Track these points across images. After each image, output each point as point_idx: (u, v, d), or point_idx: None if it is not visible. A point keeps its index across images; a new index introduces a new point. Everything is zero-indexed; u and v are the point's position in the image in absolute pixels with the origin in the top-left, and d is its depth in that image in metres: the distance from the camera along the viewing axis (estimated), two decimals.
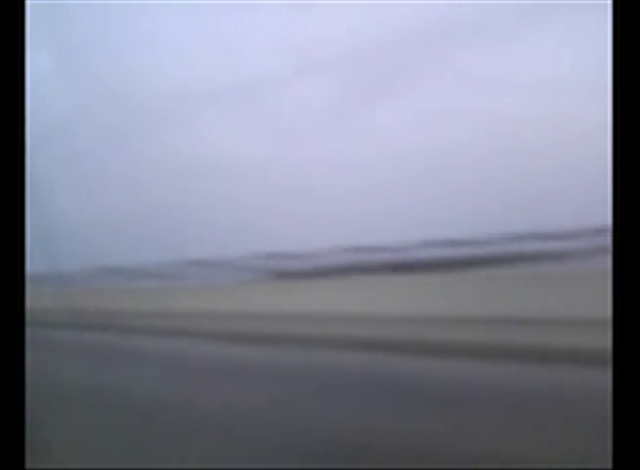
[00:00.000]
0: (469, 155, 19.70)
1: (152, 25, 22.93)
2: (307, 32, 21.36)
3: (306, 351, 11.29)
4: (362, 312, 13.77)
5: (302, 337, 12.33)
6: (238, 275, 22.12)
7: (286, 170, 22.48)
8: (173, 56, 23.41)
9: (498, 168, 19.03)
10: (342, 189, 21.48)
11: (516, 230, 16.85)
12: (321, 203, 21.57)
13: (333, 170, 21.78)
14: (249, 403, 7.06)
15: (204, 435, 5.81)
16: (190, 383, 8.59)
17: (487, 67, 19.92)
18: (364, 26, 20.86)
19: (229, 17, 21.96)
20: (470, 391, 7.23)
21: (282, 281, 20.47)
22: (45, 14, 18.99)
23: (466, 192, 19.29)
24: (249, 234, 21.70)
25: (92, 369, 10.50)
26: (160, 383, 8.65)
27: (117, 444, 5.73)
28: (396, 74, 21.86)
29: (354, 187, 21.32)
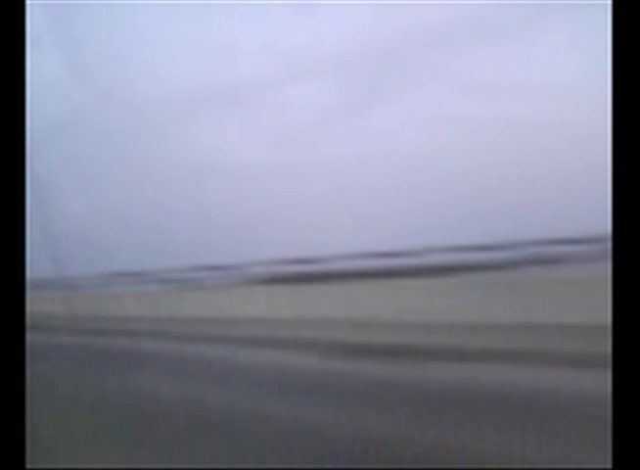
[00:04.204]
0: (467, 160, 19.71)
1: (150, 28, 22.97)
2: (303, 35, 21.39)
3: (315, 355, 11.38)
4: (357, 318, 13.86)
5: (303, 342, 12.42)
6: (235, 280, 22.12)
7: (282, 174, 22.48)
8: (173, 59, 23.44)
9: (496, 175, 19.04)
10: (339, 194, 21.48)
11: (511, 237, 16.87)
12: (317, 207, 21.57)
13: (330, 175, 21.76)
14: None
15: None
16: None
17: (485, 71, 19.95)
18: (361, 29, 20.89)
19: (226, 20, 21.99)
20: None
21: (277, 286, 20.48)
22: (47, 15, 19.04)
23: (465, 198, 19.29)
24: (245, 239, 21.69)
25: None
26: None
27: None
28: (394, 78, 21.87)
29: (351, 192, 21.32)
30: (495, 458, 4.81)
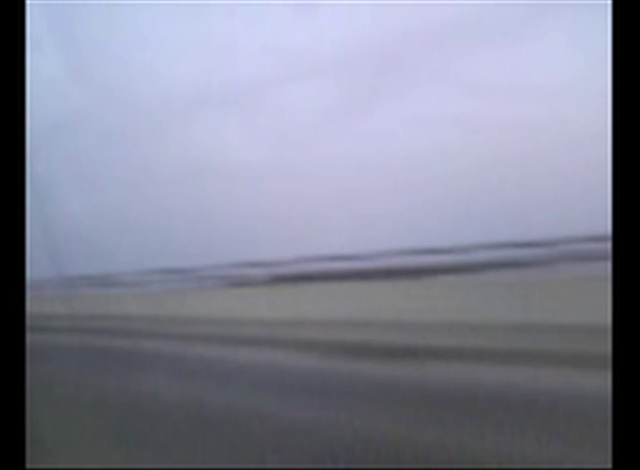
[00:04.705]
0: (467, 160, 19.70)
1: (150, 28, 22.98)
2: (303, 35, 21.40)
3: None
4: (357, 318, 13.85)
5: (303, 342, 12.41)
6: (235, 280, 22.10)
7: (282, 174, 22.48)
8: (173, 59, 23.44)
9: (496, 175, 19.02)
10: (339, 194, 21.46)
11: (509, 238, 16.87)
12: (317, 207, 21.57)
13: (330, 175, 21.77)
14: None
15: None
16: None
17: (485, 71, 19.95)
18: (361, 29, 20.88)
19: (226, 20, 21.99)
20: None
21: (277, 286, 20.46)
22: (47, 15, 19.04)
23: (465, 198, 19.28)
24: (245, 239, 21.69)
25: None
26: None
27: None
28: (394, 79, 21.87)
29: (351, 192, 21.30)
30: (495, 458, 4.81)
